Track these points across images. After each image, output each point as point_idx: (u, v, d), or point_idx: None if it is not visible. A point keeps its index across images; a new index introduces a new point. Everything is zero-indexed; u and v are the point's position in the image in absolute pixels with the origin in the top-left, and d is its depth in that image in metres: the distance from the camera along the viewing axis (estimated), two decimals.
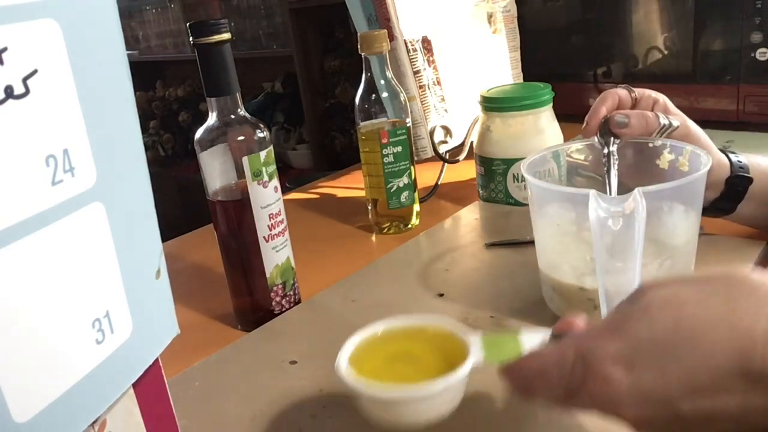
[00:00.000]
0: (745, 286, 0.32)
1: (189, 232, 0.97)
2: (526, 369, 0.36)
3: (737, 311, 0.31)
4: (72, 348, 0.27)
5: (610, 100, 0.61)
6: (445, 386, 0.38)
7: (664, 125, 0.58)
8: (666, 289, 0.33)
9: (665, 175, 0.57)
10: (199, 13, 2.82)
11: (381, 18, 0.87)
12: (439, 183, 0.97)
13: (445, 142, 0.93)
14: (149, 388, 0.33)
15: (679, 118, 0.60)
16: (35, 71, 0.24)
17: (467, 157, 0.95)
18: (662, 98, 0.63)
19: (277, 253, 0.63)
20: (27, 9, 0.24)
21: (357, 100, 0.81)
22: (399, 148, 0.80)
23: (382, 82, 0.80)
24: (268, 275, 0.63)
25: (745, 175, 0.62)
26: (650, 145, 0.58)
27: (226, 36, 0.58)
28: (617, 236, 0.47)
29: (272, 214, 0.62)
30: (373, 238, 0.85)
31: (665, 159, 0.57)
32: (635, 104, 0.62)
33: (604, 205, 0.47)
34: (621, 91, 0.62)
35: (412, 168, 0.83)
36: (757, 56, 1.02)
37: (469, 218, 0.85)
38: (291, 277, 0.66)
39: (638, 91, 0.62)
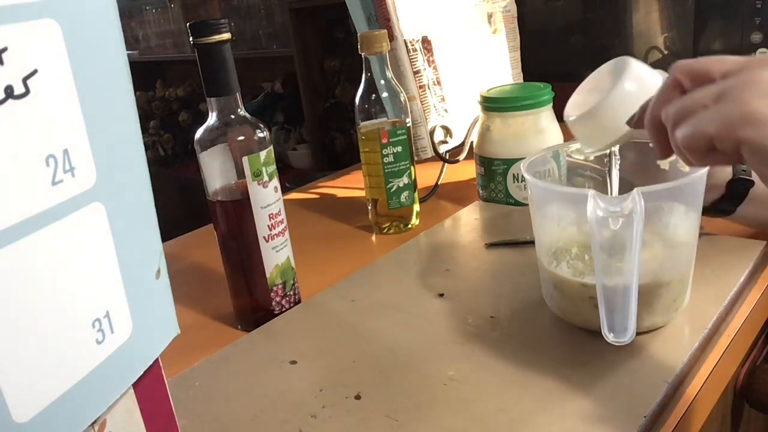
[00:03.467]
0: None
1: (189, 232, 0.97)
2: None
3: None
4: (72, 348, 0.27)
5: None
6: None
7: None
8: None
9: (667, 176, 0.57)
10: (199, 13, 2.82)
11: (381, 18, 0.87)
12: (439, 183, 0.97)
13: (445, 142, 0.93)
14: (149, 388, 0.33)
15: None
16: (35, 71, 0.24)
17: (467, 157, 0.95)
18: None
19: (277, 253, 0.63)
20: (27, 9, 0.24)
21: (357, 100, 0.81)
22: (399, 148, 0.80)
23: (382, 82, 0.80)
24: (268, 275, 0.63)
25: (747, 177, 0.62)
26: (651, 145, 0.58)
27: (226, 36, 0.58)
28: (616, 236, 0.47)
29: (272, 214, 0.62)
30: (373, 238, 0.85)
31: (666, 160, 0.57)
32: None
33: (603, 205, 0.47)
34: None
35: (412, 168, 0.83)
36: (757, 56, 1.02)
37: (469, 218, 0.85)
38: (291, 277, 0.66)
39: None
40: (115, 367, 0.29)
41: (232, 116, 0.60)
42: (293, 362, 0.56)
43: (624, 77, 0.49)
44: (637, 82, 0.49)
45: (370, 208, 0.86)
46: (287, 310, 0.65)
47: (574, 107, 0.54)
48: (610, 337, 0.47)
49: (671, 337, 0.53)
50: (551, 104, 0.83)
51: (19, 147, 0.24)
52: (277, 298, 0.65)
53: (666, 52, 1.16)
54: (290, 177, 1.99)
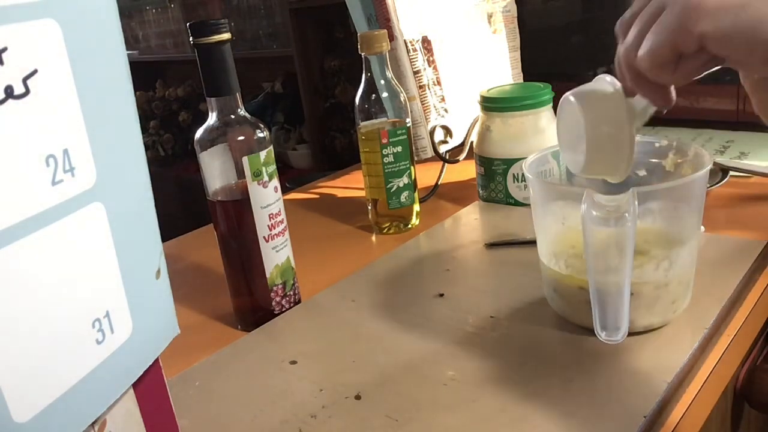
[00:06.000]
0: None
1: (189, 232, 0.97)
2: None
3: None
4: (72, 348, 0.27)
5: None
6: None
7: None
8: None
9: (671, 176, 0.57)
10: (199, 13, 2.82)
11: (381, 18, 0.87)
12: (439, 183, 0.97)
13: (445, 142, 0.93)
14: (149, 388, 0.33)
15: None
16: (35, 71, 0.24)
17: (467, 157, 0.95)
18: None
19: (277, 253, 0.63)
20: (27, 9, 0.24)
21: (357, 100, 0.81)
22: (399, 148, 0.80)
23: (382, 82, 0.80)
24: (268, 275, 0.63)
25: None
26: (657, 145, 0.57)
27: (226, 36, 0.58)
28: (610, 235, 0.47)
29: (272, 214, 0.62)
30: (373, 238, 0.85)
31: (671, 161, 0.57)
32: None
33: (597, 203, 0.47)
34: None
35: (412, 168, 0.83)
36: None
37: (469, 218, 0.85)
38: (291, 277, 0.66)
39: None
40: (115, 367, 0.29)
41: (232, 116, 0.60)
42: (293, 362, 0.56)
43: (584, 112, 0.47)
44: (594, 104, 0.47)
45: (370, 208, 0.86)
46: (287, 310, 0.65)
47: (572, 163, 0.50)
48: (602, 336, 0.47)
49: (671, 337, 0.53)
50: (551, 104, 0.83)
51: (19, 147, 0.24)
52: (277, 298, 0.65)
53: None
54: (290, 177, 1.99)
